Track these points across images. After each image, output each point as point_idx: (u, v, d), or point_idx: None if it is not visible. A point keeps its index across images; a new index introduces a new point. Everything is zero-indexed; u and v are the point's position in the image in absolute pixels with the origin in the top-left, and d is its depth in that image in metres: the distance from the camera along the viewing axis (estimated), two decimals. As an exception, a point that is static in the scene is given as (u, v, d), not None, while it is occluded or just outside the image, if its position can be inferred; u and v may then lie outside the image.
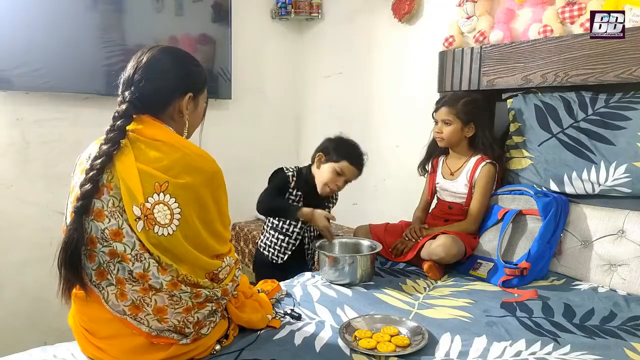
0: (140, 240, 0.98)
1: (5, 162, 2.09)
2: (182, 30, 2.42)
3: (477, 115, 1.87)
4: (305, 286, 1.57)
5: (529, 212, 1.74)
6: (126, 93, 1.05)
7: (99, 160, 0.98)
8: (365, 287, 1.58)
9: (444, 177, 1.97)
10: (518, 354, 1.16)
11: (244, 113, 2.82)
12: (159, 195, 0.97)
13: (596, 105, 1.73)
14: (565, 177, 1.76)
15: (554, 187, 1.79)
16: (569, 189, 1.76)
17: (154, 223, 0.97)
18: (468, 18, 2.08)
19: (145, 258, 0.98)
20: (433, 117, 1.94)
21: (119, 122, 1.01)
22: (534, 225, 1.71)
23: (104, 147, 0.99)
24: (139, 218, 0.96)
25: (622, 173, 1.63)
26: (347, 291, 1.54)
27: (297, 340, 1.21)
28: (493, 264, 1.69)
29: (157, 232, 0.97)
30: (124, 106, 1.03)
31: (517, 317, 1.36)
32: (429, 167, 2.05)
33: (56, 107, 2.16)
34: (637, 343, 1.21)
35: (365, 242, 1.77)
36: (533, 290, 1.52)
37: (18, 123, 2.09)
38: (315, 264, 1.87)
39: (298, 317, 1.34)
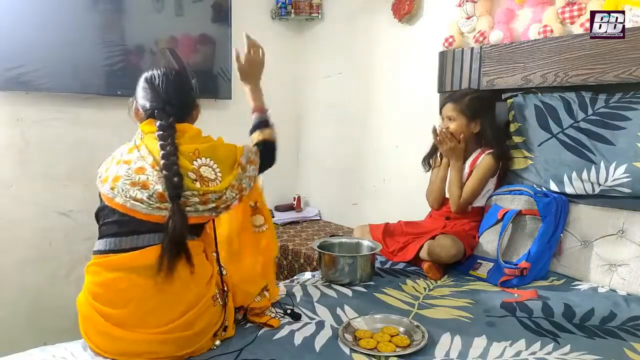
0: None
1: (5, 162, 2.08)
2: (182, 30, 2.42)
3: (482, 112, 1.88)
4: (305, 286, 1.57)
5: (529, 212, 1.74)
6: (167, 107, 1.26)
7: (172, 158, 1.19)
8: (365, 287, 1.58)
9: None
10: (518, 354, 1.16)
11: (244, 113, 2.77)
12: (196, 160, 1.22)
13: (596, 105, 1.73)
14: (565, 177, 1.76)
15: (554, 187, 1.79)
16: (569, 189, 1.76)
17: (207, 180, 1.21)
18: (468, 18, 2.08)
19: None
20: (440, 114, 1.95)
21: (168, 133, 1.23)
22: (534, 226, 1.71)
23: (169, 148, 1.20)
24: (196, 180, 1.20)
25: (622, 173, 1.63)
26: (347, 291, 1.55)
27: (297, 340, 1.21)
28: (493, 264, 1.69)
29: (210, 186, 1.22)
30: (170, 120, 1.25)
31: (517, 317, 1.36)
32: (432, 161, 2.05)
33: (56, 107, 2.16)
34: (637, 343, 1.21)
35: (365, 242, 1.77)
36: (533, 290, 1.52)
37: (18, 123, 2.09)
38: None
39: (298, 317, 1.34)
